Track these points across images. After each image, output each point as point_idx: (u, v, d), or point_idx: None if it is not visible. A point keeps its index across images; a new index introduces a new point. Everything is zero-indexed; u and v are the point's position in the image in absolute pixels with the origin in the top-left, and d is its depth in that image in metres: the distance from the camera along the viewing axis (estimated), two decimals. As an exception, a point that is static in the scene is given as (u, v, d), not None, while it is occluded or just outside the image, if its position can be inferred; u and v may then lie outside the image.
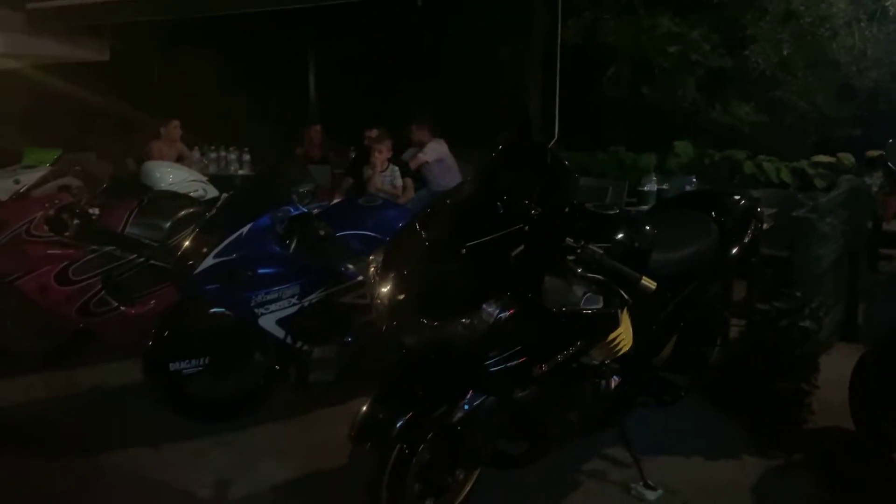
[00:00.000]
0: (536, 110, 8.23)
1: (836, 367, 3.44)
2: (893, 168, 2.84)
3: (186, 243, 3.17)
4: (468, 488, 2.51)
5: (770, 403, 3.13)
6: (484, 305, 2.07)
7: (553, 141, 8.22)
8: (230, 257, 3.02)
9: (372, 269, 2.31)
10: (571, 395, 2.50)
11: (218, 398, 3.30)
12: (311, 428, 3.29)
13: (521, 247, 2.16)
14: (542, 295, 2.20)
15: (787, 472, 2.98)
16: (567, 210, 2.32)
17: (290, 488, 2.84)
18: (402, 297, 2.14)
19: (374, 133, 6.53)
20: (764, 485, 2.88)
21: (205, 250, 3.03)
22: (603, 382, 2.56)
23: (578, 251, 2.22)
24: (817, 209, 3.23)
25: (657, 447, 3.07)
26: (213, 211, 3.32)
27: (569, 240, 2.22)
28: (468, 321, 2.07)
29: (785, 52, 7.02)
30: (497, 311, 2.09)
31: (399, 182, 6.05)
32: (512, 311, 2.12)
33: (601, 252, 2.24)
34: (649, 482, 2.81)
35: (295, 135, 8.16)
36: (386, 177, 6.01)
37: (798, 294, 3.03)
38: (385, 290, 2.18)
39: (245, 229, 3.04)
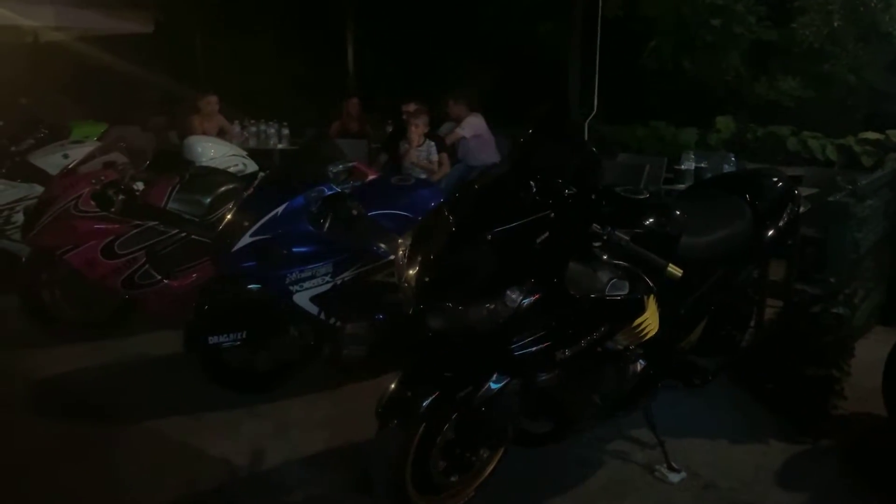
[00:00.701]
0: (576, 84, 8.11)
1: (873, 351, 3.40)
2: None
3: (224, 222, 3.26)
4: (492, 466, 2.58)
5: (799, 389, 3.12)
6: (508, 291, 2.11)
7: (592, 114, 8.12)
8: (266, 236, 3.11)
9: (400, 251, 2.36)
10: (596, 379, 2.52)
11: (254, 371, 3.41)
12: (342, 401, 3.40)
13: (547, 234, 2.18)
14: (567, 281, 2.22)
15: (814, 458, 2.97)
16: (594, 196, 2.32)
17: (321, 458, 2.95)
18: (428, 280, 2.19)
19: (411, 107, 6.54)
20: (788, 470, 2.87)
21: (242, 229, 3.12)
22: (628, 367, 2.59)
23: (605, 237, 2.24)
24: (855, 193, 3.16)
25: (682, 429, 3.09)
26: (251, 190, 3.40)
27: (595, 226, 2.24)
28: (492, 306, 2.12)
29: (835, 24, 6.78)
30: (521, 297, 2.12)
31: (435, 157, 6.07)
32: (536, 297, 2.16)
33: (627, 239, 2.25)
34: (673, 464, 2.83)
35: (334, 108, 8.22)
36: (422, 151, 6.04)
37: (832, 280, 2.98)
38: (412, 273, 2.23)
39: (280, 209, 3.12)
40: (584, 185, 2.30)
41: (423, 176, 5.97)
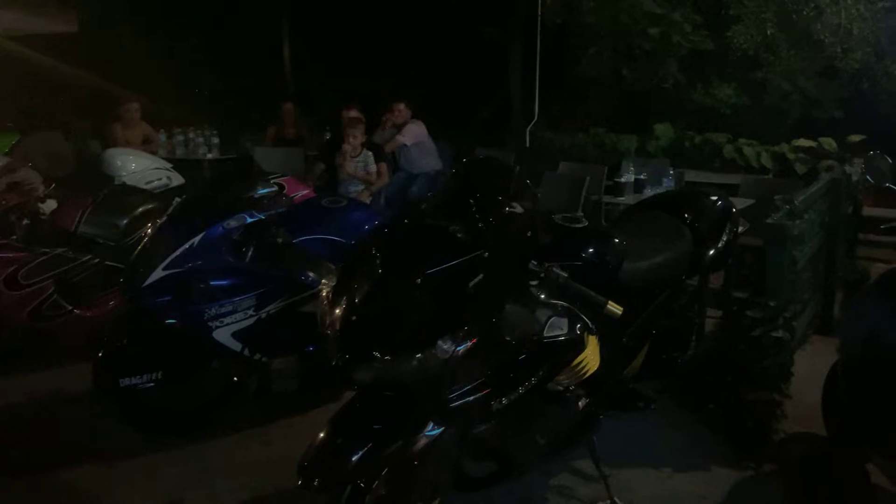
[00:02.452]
0: (517, 90, 8.05)
1: (812, 363, 3.41)
2: (872, 181, 2.74)
3: (136, 252, 3.01)
4: (428, 518, 2.43)
5: (741, 413, 3.08)
6: (439, 341, 1.95)
7: (533, 121, 8.10)
8: (181, 269, 2.87)
9: (324, 293, 2.18)
10: (537, 421, 2.41)
11: (174, 411, 3.17)
12: (271, 441, 3.19)
13: (480, 276, 2.03)
14: (503, 324, 2.09)
15: (757, 483, 2.93)
16: (530, 234, 2.19)
17: (246, 509, 2.75)
18: (352, 328, 2.01)
19: (352, 112, 6.33)
20: (732, 497, 2.83)
21: (153, 261, 2.88)
22: (570, 405, 2.48)
23: (542, 275, 2.11)
24: (793, 212, 3.13)
25: (626, 458, 3.02)
26: (164, 218, 3.15)
27: (533, 263, 2.11)
28: (423, 357, 1.96)
29: (769, 32, 6.89)
30: (454, 346, 1.97)
31: (373, 167, 5.88)
32: (471, 344, 2.01)
33: (566, 276, 2.13)
34: (616, 499, 2.74)
35: (270, 112, 7.92)
36: (359, 162, 5.84)
37: (772, 304, 2.94)
38: (335, 320, 2.05)
39: (196, 239, 2.89)
40: (514, 226, 2.16)
41: (361, 187, 5.79)
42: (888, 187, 2.84)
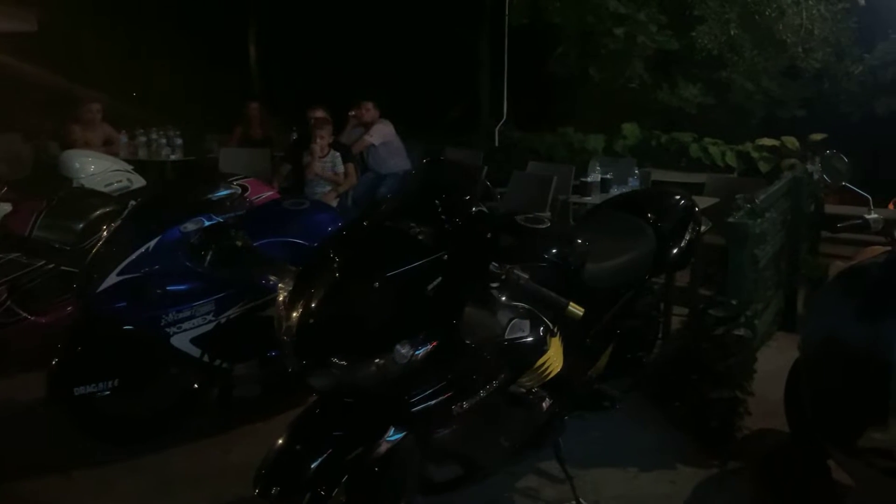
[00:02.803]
0: (486, 90, 8.05)
1: (775, 359, 3.45)
2: (828, 181, 2.78)
3: (90, 256, 2.92)
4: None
5: (705, 411, 3.09)
6: (398, 346, 1.92)
7: (502, 121, 8.10)
8: (136, 274, 2.80)
9: (281, 297, 2.13)
10: (500, 423, 2.38)
11: (132, 420, 3.09)
12: (232, 449, 3.12)
13: (440, 279, 2.00)
14: (464, 327, 2.06)
15: (722, 482, 2.95)
16: (490, 235, 2.17)
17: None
18: (309, 333, 1.97)
19: (318, 112, 6.27)
20: (696, 496, 2.84)
21: (108, 266, 2.80)
22: (534, 407, 2.46)
23: (503, 277, 2.09)
24: (754, 211, 3.16)
25: (592, 458, 3.02)
26: (119, 221, 3.06)
27: (493, 265, 2.09)
28: (381, 362, 1.92)
29: (732, 33, 6.98)
30: (412, 350, 1.94)
31: (340, 168, 5.83)
32: (431, 348, 1.98)
33: (526, 277, 2.11)
34: (581, 500, 2.73)
35: (236, 112, 7.81)
36: (326, 162, 5.78)
37: (734, 302, 2.96)
38: (292, 325, 2.00)
39: (152, 243, 2.81)
40: (475, 228, 2.14)
41: (329, 188, 5.73)
42: (845, 186, 2.87)
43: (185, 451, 3.10)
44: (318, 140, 5.71)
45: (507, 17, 6.84)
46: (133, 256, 2.80)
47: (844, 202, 5.82)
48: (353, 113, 6.65)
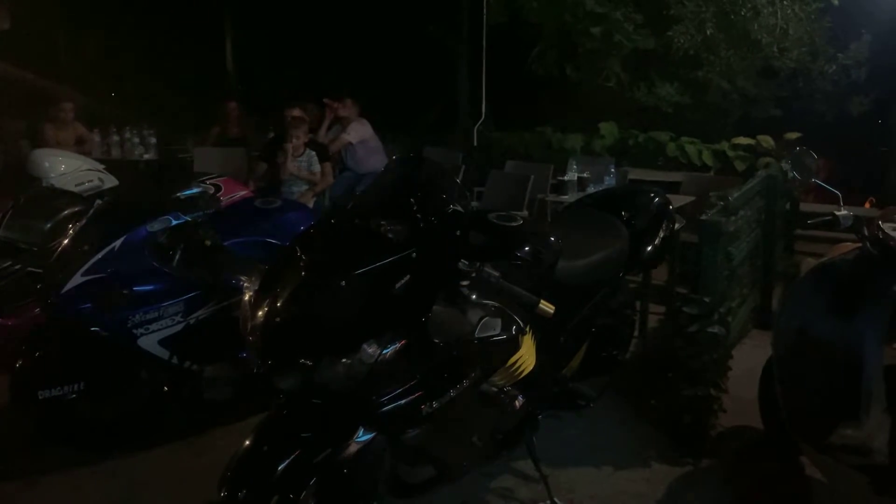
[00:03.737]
0: (464, 89, 8.04)
1: (750, 357, 3.46)
2: (799, 178, 2.79)
3: (54, 256, 2.86)
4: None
5: (679, 410, 3.09)
6: (364, 345, 1.89)
7: (481, 121, 8.09)
8: (101, 275, 2.74)
9: (246, 297, 2.09)
10: (473, 423, 2.36)
11: (100, 423, 3.02)
12: (204, 451, 3.06)
13: (408, 277, 1.97)
14: (433, 326, 2.03)
15: (695, 480, 2.94)
16: (459, 233, 2.14)
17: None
18: (274, 333, 1.93)
19: (295, 112, 6.20)
20: (670, 494, 2.84)
21: (72, 266, 2.73)
22: (507, 406, 2.43)
23: (473, 275, 2.06)
24: (728, 209, 3.17)
25: (567, 457, 3.01)
26: (83, 221, 3.00)
27: (463, 262, 2.06)
28: (348, 362, 1.89)
29: (708, 32, 7.01)
30: (380, 349, 1.91)
31: (316, 167, 5.76)
32: (399, 347, 1.96)
33: (497, 275, 2.08)
34: (556, 499, 2.72)
35: (213, 111, 7.72)
36: (302, 161, 5.71)
37: (707, 300, 2.96)
38: (257, 325, 1.96)
39: (118, 243, 2.75)
40: (444, 225, 2.11)
41: (305, 187, 5.67)
42: (815, 182, 2.89)
43: (154, 455, 3.04)
44: (294, 139, 5.65)
45: (485, 16, 6.81)
46: (98, 256, 2.74)
47: (820, 200, 5.88)
48: (336, 106, 6.57)
